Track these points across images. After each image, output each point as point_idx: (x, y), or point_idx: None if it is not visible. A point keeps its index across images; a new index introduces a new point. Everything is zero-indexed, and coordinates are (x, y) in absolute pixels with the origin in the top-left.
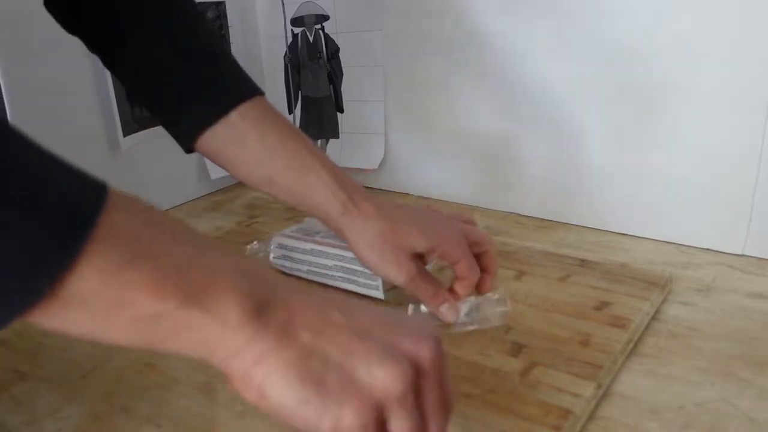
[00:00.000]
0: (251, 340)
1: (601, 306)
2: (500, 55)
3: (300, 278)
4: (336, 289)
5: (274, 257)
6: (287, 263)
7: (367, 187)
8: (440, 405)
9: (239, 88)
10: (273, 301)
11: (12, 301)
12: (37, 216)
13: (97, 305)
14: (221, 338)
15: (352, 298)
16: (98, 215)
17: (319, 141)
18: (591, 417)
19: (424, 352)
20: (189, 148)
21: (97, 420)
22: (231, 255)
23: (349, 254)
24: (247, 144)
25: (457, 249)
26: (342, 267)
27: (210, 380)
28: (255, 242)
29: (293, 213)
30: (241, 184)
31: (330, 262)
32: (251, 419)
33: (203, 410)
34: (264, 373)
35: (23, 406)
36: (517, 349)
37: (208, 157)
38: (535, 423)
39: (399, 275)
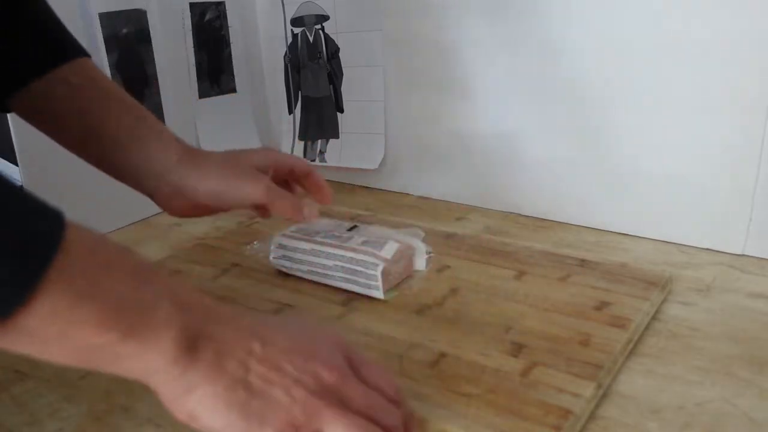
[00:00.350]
0: (184, 372)
1: (601, 306)
2: (500, 55)
3: (300, 278)
4: (336, 289)
5: (273, 257)
6: (287, 263)
7: (367, 187)
8: (371, 397)
9: (62, 49)
10: (204, 334)
11: None
12: None
13: (44, 337)
14: (156, 368)
15: (273, 320)
16: (53, 257)
17: (319, 141)
18: (591, 417)
19: (331, 369)
20: (4, 108)
21: (97, 420)
22: (170, 288)
23: (350, 254)
24: (74, 101)
25: (297, 160)
26: (342, 267)
27: None
28: (255, 242)
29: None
30: None
31: (330, 262)
32: None
33: None
34: (195, 401)
35: (23, 406)
36: (517, 349)
37: (25, 118)
38: (535, 423)
39: (257, 187)
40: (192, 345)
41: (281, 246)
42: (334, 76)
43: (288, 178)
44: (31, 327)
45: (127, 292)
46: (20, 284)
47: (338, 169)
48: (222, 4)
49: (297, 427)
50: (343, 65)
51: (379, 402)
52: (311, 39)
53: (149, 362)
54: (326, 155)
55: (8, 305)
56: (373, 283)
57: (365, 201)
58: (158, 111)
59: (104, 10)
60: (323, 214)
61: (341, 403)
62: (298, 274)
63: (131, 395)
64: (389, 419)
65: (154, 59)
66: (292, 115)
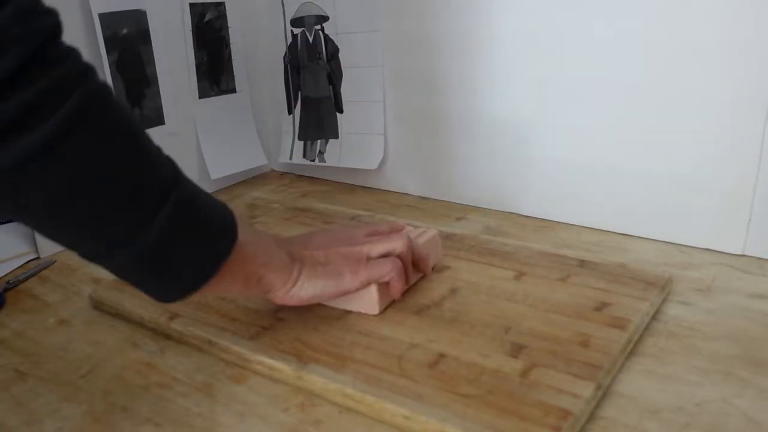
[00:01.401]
0: (291, 276)
1: (601, 306)
2: (500, 55)
3: None
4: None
5: None
6: None
7: (367, 187)
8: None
9: None
10: (294, 256)
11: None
12: (216, 225)
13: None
14: (281, 280)
15: (310, 235)
16: (237, 234)
17: (319, 141)
18: (591, 417)
19: (359, 239)
20: None
21: (97, 420)
22: (269, 236)
23: None
24: None
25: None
26: None
27: (210, 380)
28: None
29: (293, 213)
30: (241, 184)
31: None
32: (251, 419)
33: (203, 410)
34: (299, 287)
35: (23, 406)
36: (516, 350)
37: None
38: (534, 424)
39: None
40: (293, 260)
41: None
42: (334, 76)
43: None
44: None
45: (265, 247)
46: (228, 245)
47: (338, 169)
48: (222, 4)
49: (356, 263)
50: (342, 66)
51: (383, 242)
52: (311, 39)
53: (278, 279)
54: (326, 155)
55: (224, 254)
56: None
57: (365, 201)
58: (158, 111)
59: (104, 10)
60: (325, 214)
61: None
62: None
63: (131, 395)
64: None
65: (154, 59)
66: (291, 115)
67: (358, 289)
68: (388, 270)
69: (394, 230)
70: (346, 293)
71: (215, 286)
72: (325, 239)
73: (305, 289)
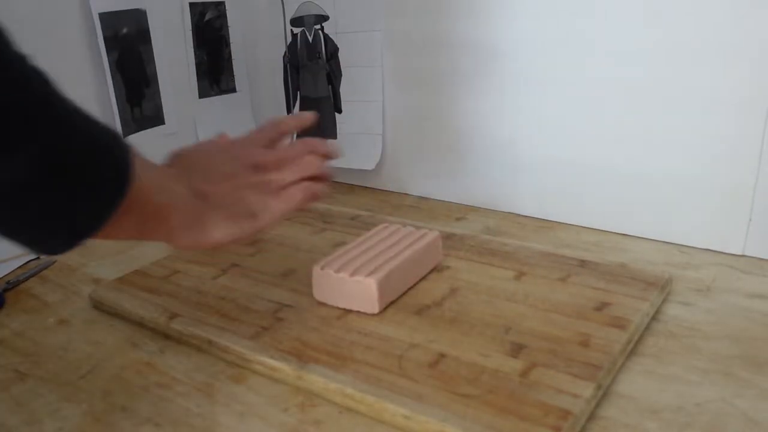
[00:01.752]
0: (196, 219)
1: (601, 306)
2: (500, 55)
3: (300, 278)
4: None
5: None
6: None
7: (366, 187)
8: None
9: None
10: (198, 188)
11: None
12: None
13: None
14: (184, 224)
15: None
16: (132, 172)
17: None
18: (591, 417)
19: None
20: None
21: (97, 420)
22: (167, 168)
23: None
24: None
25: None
26: None
27: (210, 380)
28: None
29: (293, 213)
30: None
31: None
32: (251, 419)
33: (203, 410)
34: (207, 231)
35: (23, 406)
36: (516, 350)
37: None
38: (534, 424)
39: None
40: (194, 200)
41: None
42: (333, 76)
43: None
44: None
45: (160, 182)
46: (122, 183)
47: (336, 169)
48: (222, 4)
49: (268, 208)
50: (342, 66)
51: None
52: (311, 39)
53: (177, 220)
54: None
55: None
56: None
57: (364, 201)
58: (158, 110)
59: (104, 10)
60: (325, 214)
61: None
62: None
63: (131, 395)
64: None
65: (154, 59)
66: (291, 114)
67: (272, 224)
68: (300, 199)
69: (297, 153)
70: (259, 231)
71: (102, 234)
72: (227, 166)
73: (214, 232)
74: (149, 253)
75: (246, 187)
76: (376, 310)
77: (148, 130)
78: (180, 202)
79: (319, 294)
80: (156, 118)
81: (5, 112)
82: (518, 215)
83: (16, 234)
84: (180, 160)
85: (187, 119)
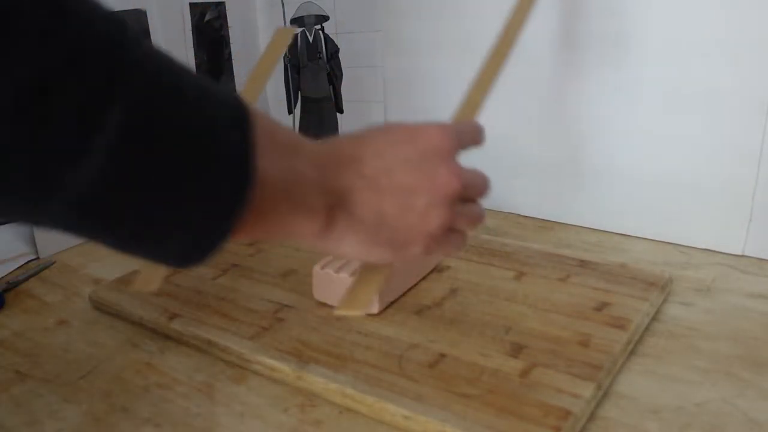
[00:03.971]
0: (332, 232)
1: (601, 306)
2: None
3: (300, 278)
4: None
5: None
6: None
7: None
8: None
9: None
10: (337, 192)
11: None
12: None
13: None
14: (316, 233)
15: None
16: (255, 166)
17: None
18: (591, 417)
19: (452, 185)
20: None
21: (97, 420)
22: (306, 146)
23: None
24: None
25: None
26: None
27: (210, 380)
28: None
29: None
30: None
31: None
32: (251, 419)
33: (203, 410)
34: (349, 246)
35: (23, 406)
36: (517, 350)
37: None
38: (534, 424)
39: None
40: (330, 210)
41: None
42: (334, 76)
43: None
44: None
45: (294, 177)
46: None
47: None
48: (222, 4)
49: (435, 238)
50: (342, 66)
51: (479, 182)
52: (311, 39)
53: (306, 230)
54: None
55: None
56: None
57: None
58: None
59: None
60: None
61: (460, 198)
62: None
63: (131, 395)
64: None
65: None
66: (291, 115)
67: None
68: (455, 252)
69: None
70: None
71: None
72: (422, 196)
73: (346, 247)
74: None
75: (414, 205)
76: (376, 310)
77: None
78: (309, 204)
79: (319, 294)
80: None
81: (82, 71)
82: (518, 215)
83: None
84: (363, 145)
85: None
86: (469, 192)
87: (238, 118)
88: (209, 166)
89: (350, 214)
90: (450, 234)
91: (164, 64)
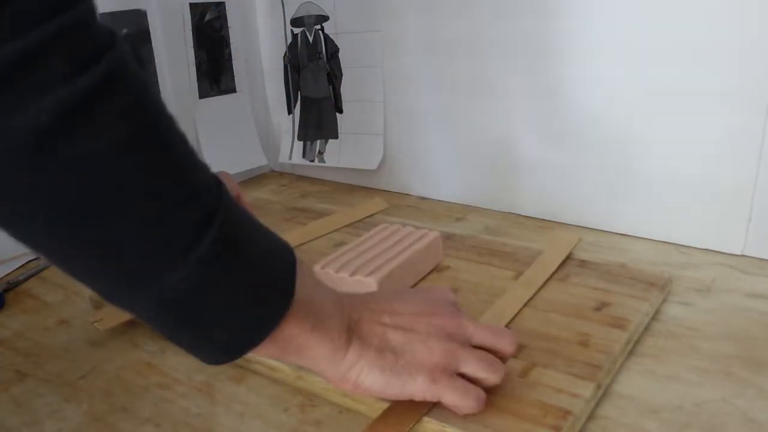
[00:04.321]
0: (346, 354)
1: (601, 306)
2: (499, 56)
3: None
4: None
5: None
6: None
7: (367, 188)
8: (483, 330)
9: None
10: (351, 322)
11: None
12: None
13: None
14: (324, 355)
15: (391, 294)
16: (295, 284)
17: (318, 141)
18: (590, 417)
19: (451, 318)
20: None
21: (97, 420)
22: (328, 290)
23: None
24: None
25: None
26: None
27: (210, 380)
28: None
29: (293, 213)
30: (241, 184)
31: None
32: (251, 419)
33: (203, 410)
34: (357, 373)
35: (23, 406)
36: (516, 350)
37: None
38: (534, 423)
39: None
40: (349, 333)
41: None
42: (334, 76)
43: None
44: (278, 335)
45: (316, 297)
46: (282, 301)
47: (337, 169)
48: (222, 4)
49: (440, 370)
50: (342, 66)
51: (489, 334)
52: (311, 39)
53: (325, 350)
54: (325, 156)
55: (278, 315)
56: None
57: (365, 201)
58: None
59: (104, 10)
60: (325, 214)
61: (466, 342)
62: None
63: (131, 395)
64: (500, 344)
65: (154, 59)
66: (291, 115)
67: (422, 398)
68: (471, 404)
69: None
70: (408, 398)
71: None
72: (413, 305)
73: (364, 379)
74: None
75: (425, 341)
76: None
77: None
78: (328, 327)
79: None
80: None
81: (186, 207)
82: (518, 215)
83: (173, 340)
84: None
85: (187, 119)
86: (479, 337)
87: (290, 252)
88: (267, 287)
89: (360, 339)
90: (458, 378)
91: (239, 208)
